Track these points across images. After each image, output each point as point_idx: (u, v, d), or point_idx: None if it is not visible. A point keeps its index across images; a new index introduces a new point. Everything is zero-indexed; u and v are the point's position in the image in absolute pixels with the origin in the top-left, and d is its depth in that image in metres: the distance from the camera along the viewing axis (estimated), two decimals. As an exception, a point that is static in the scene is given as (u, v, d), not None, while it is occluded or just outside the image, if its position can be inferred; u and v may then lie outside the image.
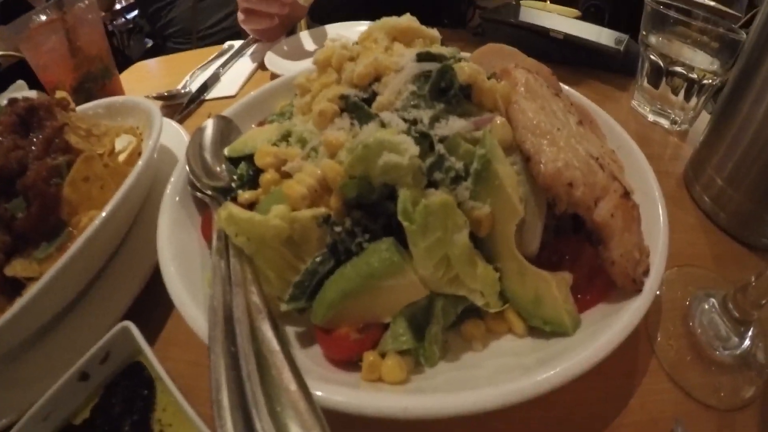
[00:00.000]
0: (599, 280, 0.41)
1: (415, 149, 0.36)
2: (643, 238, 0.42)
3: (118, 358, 0.42)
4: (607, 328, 0.36)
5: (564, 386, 0.34)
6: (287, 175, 0.44)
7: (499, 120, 0.42)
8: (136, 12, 2.51)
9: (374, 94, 0.44)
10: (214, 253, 0.40)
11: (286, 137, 0.49)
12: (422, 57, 0.44)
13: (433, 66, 0.42)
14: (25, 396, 0.41)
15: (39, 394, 0.39)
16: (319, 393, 0.32)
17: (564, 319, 0.37)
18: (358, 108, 0.41)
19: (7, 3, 1.90)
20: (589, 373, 0.45)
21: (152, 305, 0.52)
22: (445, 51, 0.48)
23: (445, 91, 0.43)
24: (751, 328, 0.49)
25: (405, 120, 0.39)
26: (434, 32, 0.53)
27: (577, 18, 1.04)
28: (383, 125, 0.39)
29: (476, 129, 0.41)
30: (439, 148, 0.38)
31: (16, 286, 0.49)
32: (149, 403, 0.40)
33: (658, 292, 0.53)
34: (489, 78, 0.48)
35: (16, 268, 0.49)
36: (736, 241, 0.61)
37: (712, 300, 0.50)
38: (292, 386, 0.30)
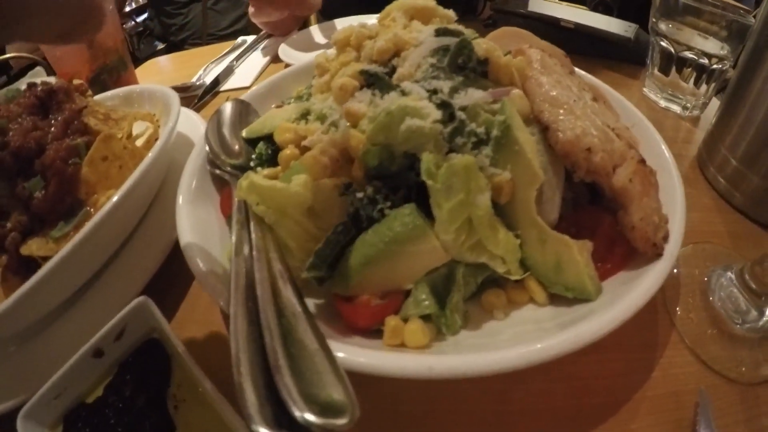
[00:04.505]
0: (619, 249, 0.41)
1: (437, 113, 0.36)
2: (662, 206, 0.42)
3: (133, 335, 0.41)
4: (630, 291, 0.36)
5: (585, 350, 0.33)
6: (307, 151, 0.45)
7: (516, 91, 0.43)
8: (146, 14, 2.56)
9: (394, 69, 0.44)
10: (234, 224, 0.40)
11: (305, 116, 0.50)
12: (441, 32, 0.44)
13: (451, 40, 0.43)
14: (42, 375, 0.39)
15: (55, 372, 0.37)
16: (341, 355, 0.32)
17: (586, 283, 0.37)
18: (380, 79, 0.42)
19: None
20: (608, 346, 0.45)
21: (168, 286, 0.52)
22: (462, 29, 0.49)
23: (462, 66, 0.43)
24: (771, 302, 0.48)
25: (426, 90, 0.40)
26: (450, 12, 0.54)
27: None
28: (404, 94, 0.40)
29: (494, 101, 0.42)
30: (460, 114, 0.38)
31: (34, 267, 0.47)
32: (164, 380, 0.39)
33: (675, 270, 0.53)
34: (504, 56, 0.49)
35: (32, 247, 0.48)
36: (752, 220, 0.60)
37: (730, 274, 0.50)
38: (315, 346, 0.30)
